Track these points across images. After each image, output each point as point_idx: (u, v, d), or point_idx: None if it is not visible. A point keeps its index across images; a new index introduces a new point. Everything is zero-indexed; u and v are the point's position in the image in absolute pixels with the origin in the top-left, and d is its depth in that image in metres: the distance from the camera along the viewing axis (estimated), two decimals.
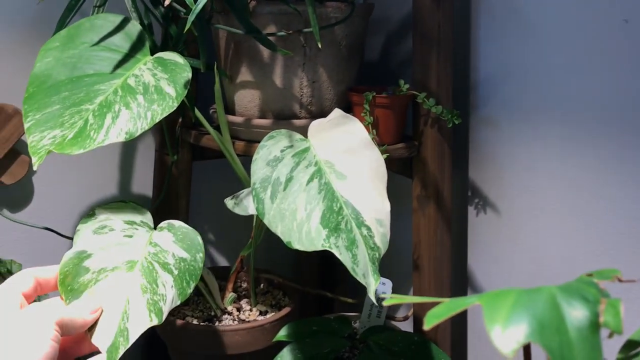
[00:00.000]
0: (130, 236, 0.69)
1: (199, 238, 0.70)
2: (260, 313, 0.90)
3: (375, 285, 0.61)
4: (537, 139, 0.78)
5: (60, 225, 0.90)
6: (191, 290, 0.65)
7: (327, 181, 0.67)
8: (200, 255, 0.68)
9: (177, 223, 0.72)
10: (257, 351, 0.85)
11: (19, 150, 0.86)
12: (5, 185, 0.86)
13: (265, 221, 0.66)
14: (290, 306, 0.89)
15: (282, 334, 0.82)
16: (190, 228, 0.71)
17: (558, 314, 0.25)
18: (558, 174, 0.76)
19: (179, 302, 0.63)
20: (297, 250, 1.10)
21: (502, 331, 0.25)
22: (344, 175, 0.67)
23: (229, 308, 0.90)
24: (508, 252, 0.84)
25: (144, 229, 0.72)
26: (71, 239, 0.90)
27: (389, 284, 0.87)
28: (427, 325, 0.28)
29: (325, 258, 1.07)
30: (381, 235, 0.64)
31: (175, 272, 0.65)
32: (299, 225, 0.64)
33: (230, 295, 0.91)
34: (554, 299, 0.26)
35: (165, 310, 0.61)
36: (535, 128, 0.78)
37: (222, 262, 1.09)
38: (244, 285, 0.95)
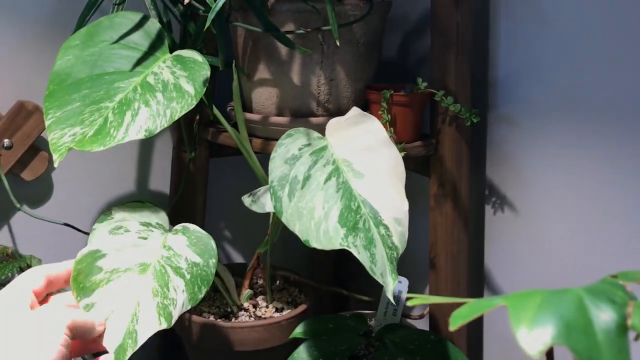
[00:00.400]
0: (145, 238, 0.70)
1: (213, 243, 0.70)
2: (277, 310, 0.90)
3: (393, 285, 0.61)
4: (556, 137, 0.78)
5: (79, 221, 0.90)
6: (202, 295, 0.65)
7: (345, 180, 0.67)
8: (212, 261, 0.68)
9: (191, 227, 0.73)
10: (273, 348, 0.85)
11: (38, 146, 0.87)
12: (25, 181, 0.87)
13: (283, 219, 0.66)
14: (306, 303, 0.89)
15: (299, 331, 0.82)
16: (205, 232, 0.71)
17: (585, 316, 0.25)
18: (578, 173, 0.75)
19: (189, 307, 0.63)
20: (313, 248, 1.10)
21: (528, 332, 0.25)
22: (362, 174, 0.67)
23: (245, 304, 0.91)
24: (526, 252, 0.84)
25: (159, 231, 0.72)
26: (88, 233, 0.91)
27: (405, 282, 0.87)
28: (453, 326, 0.28)
29: (340, 256, 1.07)
30: (399, 234, 0.64)
31: (187, 276, 0.65)
32: (317, 224, 0.64)
33: (246, 291, 0.92)
34: (581, 301, 0.26)
35: (175, 315, 0.61)
36: (555, 126, 0.78)
37: (238, 259, 1.09)
38: (260, 282, 0.95)
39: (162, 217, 0.76)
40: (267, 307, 0.91)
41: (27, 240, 0.90)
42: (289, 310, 0.88)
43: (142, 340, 0.59)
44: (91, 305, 0.61)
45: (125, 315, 0.60)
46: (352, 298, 0.99)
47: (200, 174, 0.94)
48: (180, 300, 0.63)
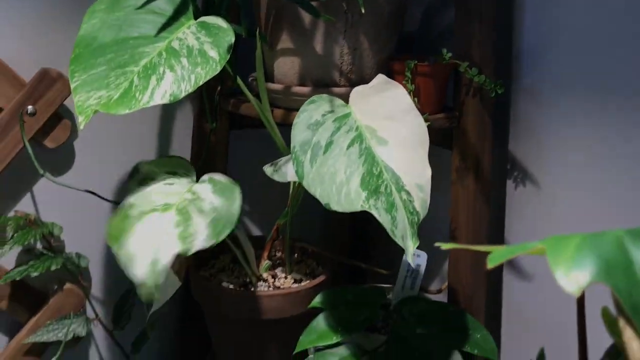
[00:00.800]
0: (171, 184, 0.73)
1: (238, 189, 0.72)
2: (295, 281, 0.90)
3: (414, 248, 0.61)
4: (580, 111, 0.77)
5: (101, 189, 0.91)
6: (224, 236, 0.68)
7: (367, 146, 0.67)
8: (236, 205, 0.70)
9: (218, 176, 0.75)
10: (291, 317, 0.85)
11: (61, 114, 0.88)
12: (48, 148, 0.87)
13: (304, 184, 0.66)
14: (324, 275, 0.89)
15: (317, 300, 0.83)
16: (231, 180, 0.73)
17: (625, 255, 0.25)
18: (601, 148, 0.75)
19: (211, 243, 0.66)
20: (329, 223, 1.11)
21: (567, 272, 0.25)
22: (385, 141, 0.67)
23: (264, 275, 0.91)
24: (547, 227, 0.83)
25: (185, 179, 0.75)
26: (111, 201, 0.92)
27: (424, 256, 0.87)
28: (490, 264, 0.28)
29: (357, 231, 1.07)
30: (421, 200, 0.64)
31: (210, 217, 0.68)
32: (338, 187, 0.64)
33: (265, 262, 0.92)
34: (621, 241, 0.26)
35: (195, 245, 0.65)
36: (579, 100, 0.77)
37: (256, 232, 1.10)
38: (279, 254, 0.96)
39: (188, 168, 0.78)
40: (285, 278, 0.91)
41: (49, 208, 0.91)
42: (308, 281, 0.89)
43: (164, 263, 0.63)
44: (121, 249, 0.66)
45: (149, 246, 0.64)
46: (369, 273, 1.00)
47: (221, 146, 0.94)
48: (201, 235, 0.66)
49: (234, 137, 0.97)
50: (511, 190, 0.87)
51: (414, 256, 0.90)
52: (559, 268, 0.25)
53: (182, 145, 0.99)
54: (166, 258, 0.65)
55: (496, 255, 0.28)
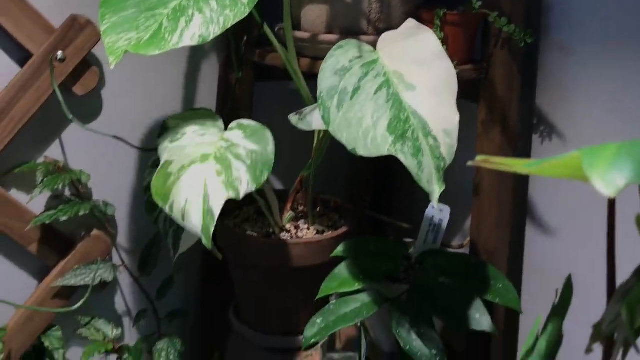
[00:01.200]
0: (202, 135, 0.74)
1: (269, 132, 0.73)
2: (317, 232, 0.91)
3: (439, 193, 0.62)
4: (610, 65, 0.75)
5: (128, 137, 0.92)
6: (264, 179, 0.69)
7: (395, 92, 0.66)
8: (270, 147, 0.71)
9: (245, 122, 0.75)
10: (313, 266, 0.87)
11: (90, 61, 0.88)
12: (76, 95, 0.89)
13: (331, 129, 0.66)
14: (347, 226, 0.90)
15: (340, 250, 0.84)
16: (259, 124, 0.74)
17: None
18: (630, 103, 0.73)
19: (253, 188, 0.68)
20: (352, 177, 1.11)
21: (604, 174, 0.25)
22: (413, 86, 0.66)
23: (287, 226, 0.92)
24: (572, 182, 0.82)
25: (214, 129, 0.76)
26: (139, 148, 0.93)
27: (446, 210, 0.87)
28: (526, 170, 0.28)
29: (380, 186, 1.07)
30: (448, 146, 0.64)
31: (248, 161, 0.69)
32: (365, 132, 0.64)
33: (289, 214, 0.93)
34: None
35: (242, 190, 0.67)
36: (608, 54, 0.75)
37: (278, 185, 1.11)
38: (301, 208, 0.96)
39: (215, 119, 0.79)
40: (308, 229, 0.92)
41: (77, 156, 0.93)
42: (331, 232, 0.90)
43: (216, 212, 0.65)
44: (171, 205, 0.67)
45: (198, 198, 0.65)
46: (391, 228, 1.00)
47: (246, 97, 0.95)
48: (244, 179, 0.68)
49: (259, 88, 0.97)
50: (537, 144, 0.86)
51: (436, 210, 0.90)
52: (596, 171, 0.25)
53: (206, 100, 1.00)
54: (217, 206, 0.66)
55: (532, 164, 0.28)
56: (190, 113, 0.81)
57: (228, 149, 0.72)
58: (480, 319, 0.73)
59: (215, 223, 0.64)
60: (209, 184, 0.66)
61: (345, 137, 0.65)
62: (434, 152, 0.63)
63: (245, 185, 0.67)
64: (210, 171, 0.68)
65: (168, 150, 0.73)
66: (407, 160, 0.62)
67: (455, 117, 0.65)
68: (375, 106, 0.65)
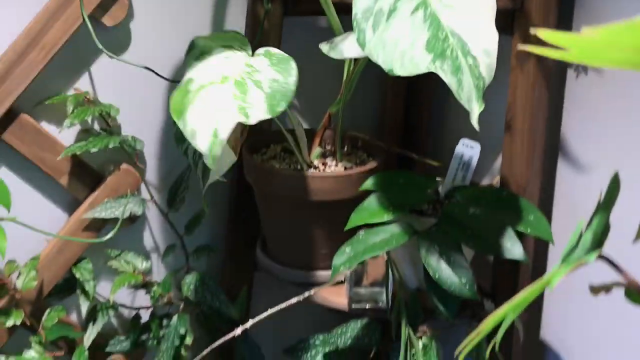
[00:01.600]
0: (227, 57, 0.73)
1: (294, 63, 0.72)
2: (345, 169, 0.91)
3: (478, 111, 0.61)
4: None
5: (157, 69, 0.92)
6: (281, 109, 0.68)
7: (432, 11, 0.65)
8: (292, 79, 0.70)
9: (273, 50, 0.74)
10: (342, 201, 0.86)
11: None
12: (105, 26, 0.88)
13: (366, 51, 0.65)
14: (375, 162, 0.90)
15: (369, 183, 0.83)
16: (286, 54, 0.73)
17: None
18: None
19: (268, 117, 0.67)
20: (381, 115, 1.09)
21: None
22: (451, 5, 0.65)
23: (315, 162, 0.92)
24: (607, 115, 0.81)
25: (241, 53, 0.75)
26: (168, 79, 0.93)
27: (477, 146, 0.86)
28: (573, 57, 0.26)
29: (409, 124, 1.06)
30: (487, 65, 0.63)
31: (268, 90, 0.69)
32: (402, 52, 0.63)
33: (316, 149, 0.93)
34: None
35: (253, 116, 0.66)
36: None
37: (305, 125, 1.10)
38: (329, 147, 0.96)
39: (244, 43, 0.78)
40: (336, 166, 0.92)
41: (106, 89, 0.93)
42: (359, 167, 0.89)
43: (224, 134, 0.64)
44: (185, 122, 0.67)
45: (209, 118, 0.65)
46: (419, 167, 0.99)
47: (274, 31, 0.94)
48: (259, 107, 0.67)
49: (287, 27, 0.96)
50: (572, 78, 0.84)
51: (466, 147, 0.89)
52: None
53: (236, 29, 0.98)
54: (226, 128, 0.66)
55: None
56: (220, 34, 0.81)
57: (250, 74, 0.71)
58: (512, 248, 0.73)
59: (222, 145, 0.64)
60: (222, 105, 0.66)
61: (381, 57, 0.64)
62: (473, 71, 0.62)
63: (259, 113, 0.67)
64: (227, 93, 0.68)
65: (192, 68, 0.73)
66: (447, 77, 0.61)
67: (495, 36, 0.63)
68: (412, 26, 0.64)
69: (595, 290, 0.40)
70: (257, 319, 0.72)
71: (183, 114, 0.67)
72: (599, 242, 0.37)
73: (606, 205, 0.38)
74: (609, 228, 0.38)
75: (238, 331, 0.70)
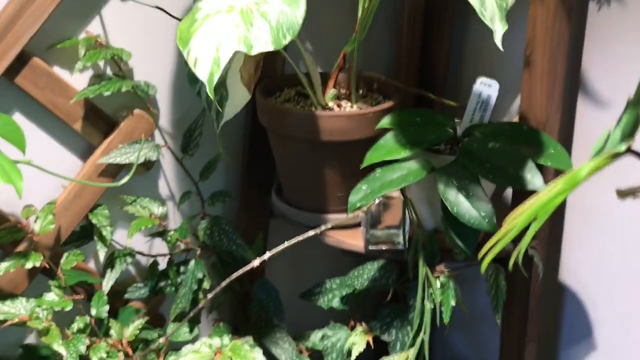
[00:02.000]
0: None
1: None
2: (361, 110, 0.90)
3: (502, 31, 0.59)
4: None
5: (168, 8, 0.90)
6: (286, 42, 0.67)
7: None
8: (300, 12, 0.69)
9: None
10: (357, 141, 0.85)
11: None
12: None
13: None
14: (391, 102, 0.88)
15: (386, 121, 0.82)
16: None
17: None
18: None
19: (271, 48, 0.67)
20: (397, 55, 1.07)
21: None
22: None
23: (330, 104, 0.91)
24: (629, 49, 0.79)
25: None
26: (180, 19, 0.91)
27: (495, 85, 0.85)
28: None
29: (425, 64, 1.04)
30: None
31: (273, 22, 0.68)
32: None
33: (331, 91, 0.92)
34: None
35: (255, 46, 0.65)
36: None
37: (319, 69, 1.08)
38: (343, 90, 0.95)
39: None
40: (351, 107, 0.91)
41: (118, 33, 0.92)
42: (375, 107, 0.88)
43: (223, 62, 0.65)
44: (189, 50, 0.67)
45: (211, 46, 0.65)
46: (437, 107, 0.98)
47: None
48: (263, 38, 0.66)
49: None
50: (593, 11, 0.82)
51: (484, 85, 0.87)
52: None
53: None
54: (226, 55, 0.66)
55: None
56: None
57: (258, 4, 0.70)
58: (532, 179, 0.71)
59: (220, 73, 0.64)
60: (225, 34, 0.66)
61: None
62: None
63: (261, 44, 0.66)
64: (230, 23, 0.67)
65: None
66: None
67: None
68: None
69: (622, 194, 0.38)
70: (274, 250, 0.71)
71: (187, 42, 0.67)
72: (629, 135, 0.35)
73: (637, 101, 0.37)
74: (638, 123, 0.36)
75: (256, 262, 0.69)
